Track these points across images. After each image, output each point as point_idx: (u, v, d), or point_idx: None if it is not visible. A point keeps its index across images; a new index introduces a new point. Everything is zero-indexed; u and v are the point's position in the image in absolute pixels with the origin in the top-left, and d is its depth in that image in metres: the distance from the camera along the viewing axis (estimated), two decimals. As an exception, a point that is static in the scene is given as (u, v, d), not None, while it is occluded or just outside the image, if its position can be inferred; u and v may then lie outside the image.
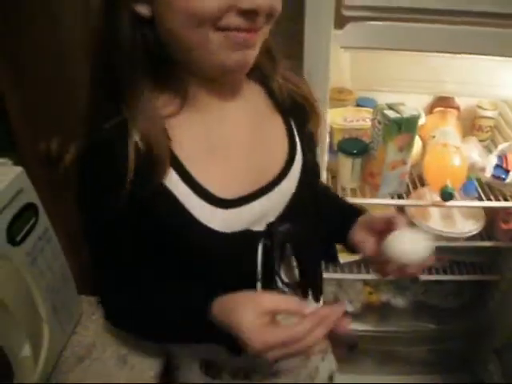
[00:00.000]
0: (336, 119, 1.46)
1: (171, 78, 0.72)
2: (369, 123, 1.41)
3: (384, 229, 0.82)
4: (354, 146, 1.40)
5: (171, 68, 0.71)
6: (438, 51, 1.17)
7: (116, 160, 0.67)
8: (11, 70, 0.93)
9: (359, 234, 0.89)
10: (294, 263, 0.87)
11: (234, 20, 0.63)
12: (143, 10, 0.65)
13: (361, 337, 1.91)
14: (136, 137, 0.67)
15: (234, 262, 0.76)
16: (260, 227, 0.79)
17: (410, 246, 0.76)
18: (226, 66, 0.68)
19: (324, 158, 1.34)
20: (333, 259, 0.98)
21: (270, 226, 0.80)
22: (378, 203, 1.42)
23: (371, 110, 1.41)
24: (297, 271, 0.88)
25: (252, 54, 0.69)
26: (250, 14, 0.63)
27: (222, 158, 0.77)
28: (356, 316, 1.92)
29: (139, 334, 0.89)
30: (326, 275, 1.73)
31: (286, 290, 0.85)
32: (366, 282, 1.95)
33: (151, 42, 0.68)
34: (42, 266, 0.84)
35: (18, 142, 0.87)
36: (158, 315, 0.79)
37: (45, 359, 0.85)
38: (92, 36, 0.67)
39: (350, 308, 1.91)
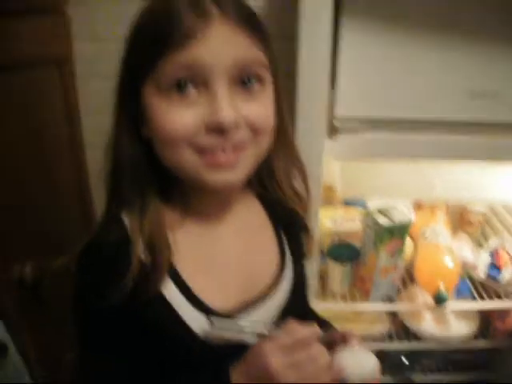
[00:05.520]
0: (324, 221, 1.42)
1: (175, 192, 0.73)
2: (358, 224, 1.38)
3: (340, 344, 0.78)
4: (344, 253, 1.35)
5: (174, 183, 0.71)
6: (430, 158, 1.16)
7: (116, 273, 0.65)
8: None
9: None
10: None
11: (204, 139, 0.61)
12: (145, 131, 0.66)
13: None
14: (139, 250, 0.66)
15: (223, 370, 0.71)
16: None
17: (353, 361, 0.72)
18: (205, 185, 0.65)
19: (314, 264, 1.29)
20: None
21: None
22: (369, 309, 1.36)
23: (360, 209, 1.39)
24: None
25: (234, 175, 0.66)
26: (217, 131, 0.60)
27: (215, 273, 0.76)
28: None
29: None
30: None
31: None
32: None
33: (154, 158, 0.67)
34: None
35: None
36: None
37: None
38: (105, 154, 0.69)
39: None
